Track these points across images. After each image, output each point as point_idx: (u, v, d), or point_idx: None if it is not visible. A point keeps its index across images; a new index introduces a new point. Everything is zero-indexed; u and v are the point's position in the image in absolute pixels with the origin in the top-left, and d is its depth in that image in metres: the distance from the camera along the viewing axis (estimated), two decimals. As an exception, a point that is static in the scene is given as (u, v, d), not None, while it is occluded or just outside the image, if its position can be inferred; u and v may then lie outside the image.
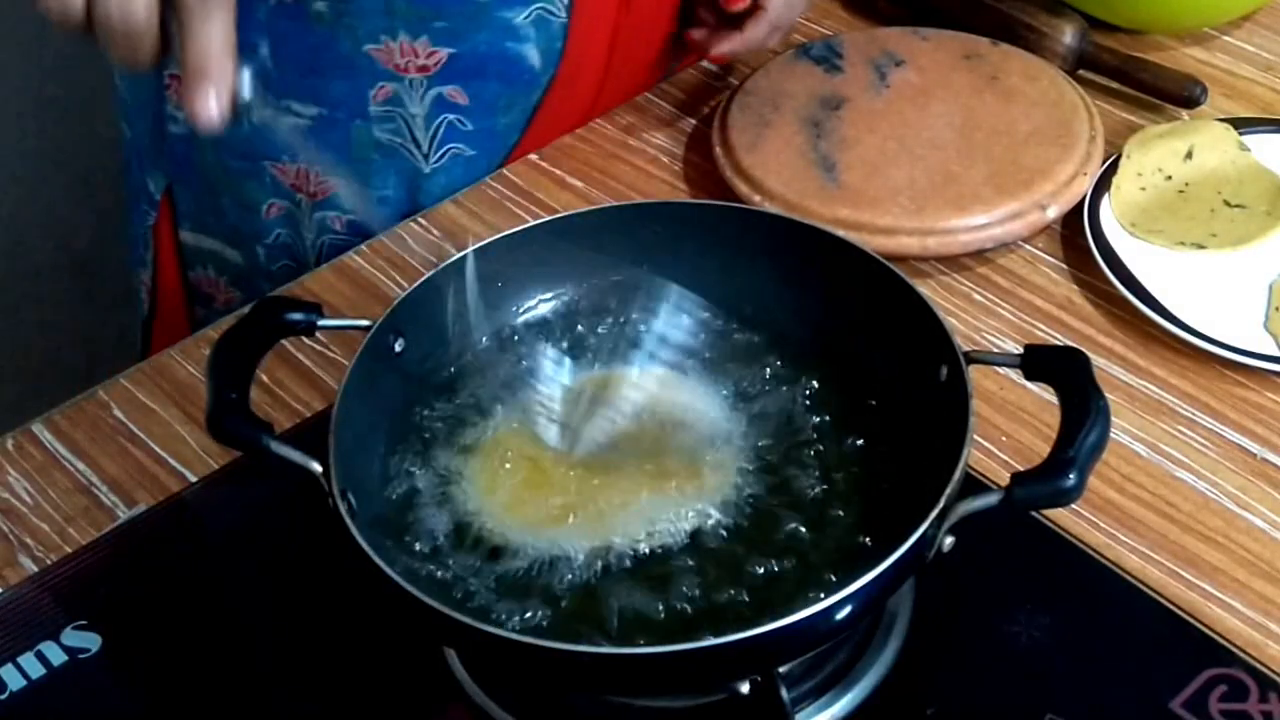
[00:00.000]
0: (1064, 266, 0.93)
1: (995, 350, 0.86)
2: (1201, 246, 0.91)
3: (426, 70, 0.95)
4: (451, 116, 0.98)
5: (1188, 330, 0.85)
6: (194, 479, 0.82)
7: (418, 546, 0.69)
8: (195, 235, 1.05)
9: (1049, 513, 0.76)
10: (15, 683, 0.72)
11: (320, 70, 0.95)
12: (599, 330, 0.78)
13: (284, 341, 0.78)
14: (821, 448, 0.72)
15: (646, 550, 0.67)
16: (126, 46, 0.57)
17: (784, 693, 0.64)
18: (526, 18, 0.95)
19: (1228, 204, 0.94)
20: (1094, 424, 0.61)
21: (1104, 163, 0.96)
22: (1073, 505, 0.68)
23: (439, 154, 0.99)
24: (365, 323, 0.72)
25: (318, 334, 0.82)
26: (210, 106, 0.56)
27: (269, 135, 0.97)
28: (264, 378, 0.85)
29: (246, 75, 0.57)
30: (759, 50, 1.01)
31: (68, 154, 1.55)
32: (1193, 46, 1.10)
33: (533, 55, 0.97)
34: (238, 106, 0.57)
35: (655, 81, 1.09)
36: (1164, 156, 0.97)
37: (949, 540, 0.62)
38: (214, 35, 0.56)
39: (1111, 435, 0.63)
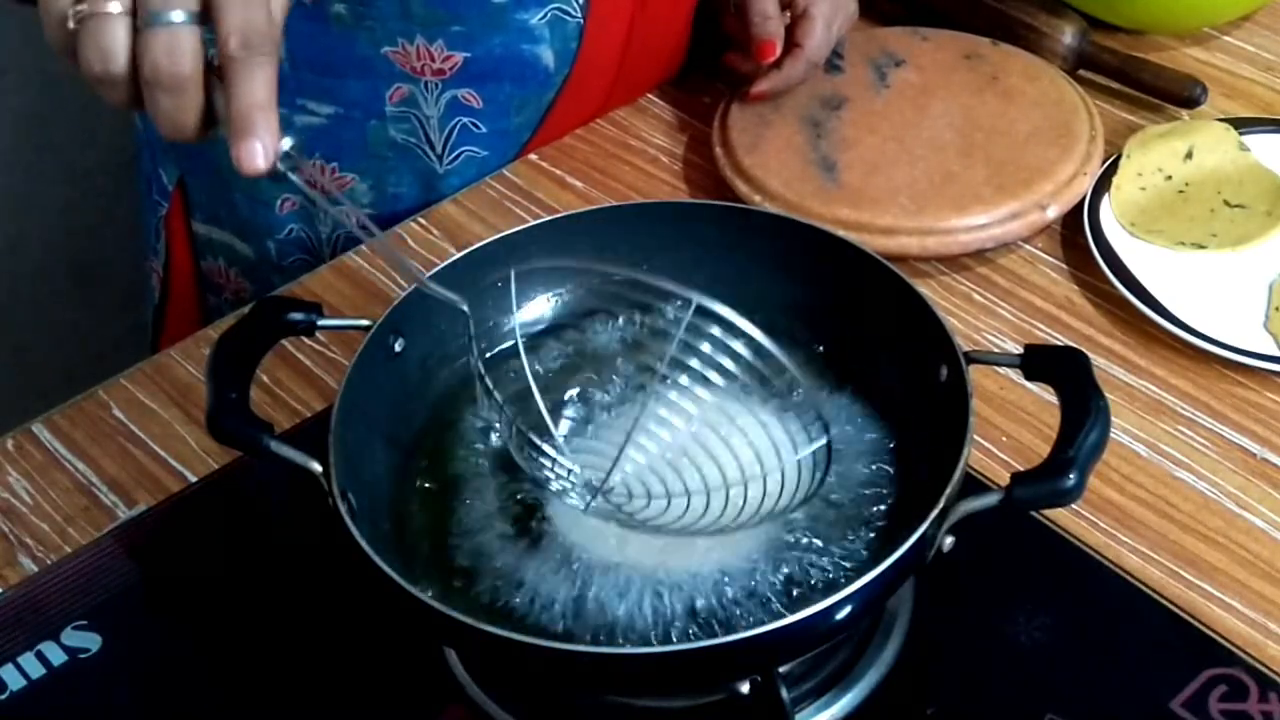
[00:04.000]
0: (1064, 266, 0.93)
1: (995, 350, 0.86)
2: (1201, 246, 0.91)
3: (442, 74, 0.95)
4: (465, 119, 0.98)
5: (1188, 330, 0.85)
6: (194, 479, 0.82)
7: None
8: (206, 227, 1.06)
9: (1049, 513, 0.76)
10: (15, 683, 0.72)
11: (337, 71, 0.95)
12: (597, 333, 0.78)
13: (284, 341, 0.78)
14: (821, 447, 0.72)
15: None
16: (173, 101, 0.56)
17: (784, 693, 0.64)
18: (542, 19, 0.95)
19: (1228, 204, 0.94)
20: (1094, 424, 0.61)
21: (1104, 163, 0.96)
22: (1073, 505, 0.68)
23: (453, 155, 0.99)
24: (365, 323, 0.72)
25: (318, 334, 0.82)
26: (257, 157, 0.56)
27: (283, 133, 0.97)
28: (264, 378, 0.85)
29: (288, 135, 0.57)
30: (796, 85, 1.00)
31: (68, 154, 1.55)
32: (1193, 46, 1.10)
33: (547, 56, 0.97)
34: (278, 157, 0.57)
35: (669, 80, 1.09)
36: (1164, 156, 0.97)
37: (949, 540, 0.62)
38: (258, 88, 0.56)
39: (1111, 435, 0.63)
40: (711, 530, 0.65)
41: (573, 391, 0.73)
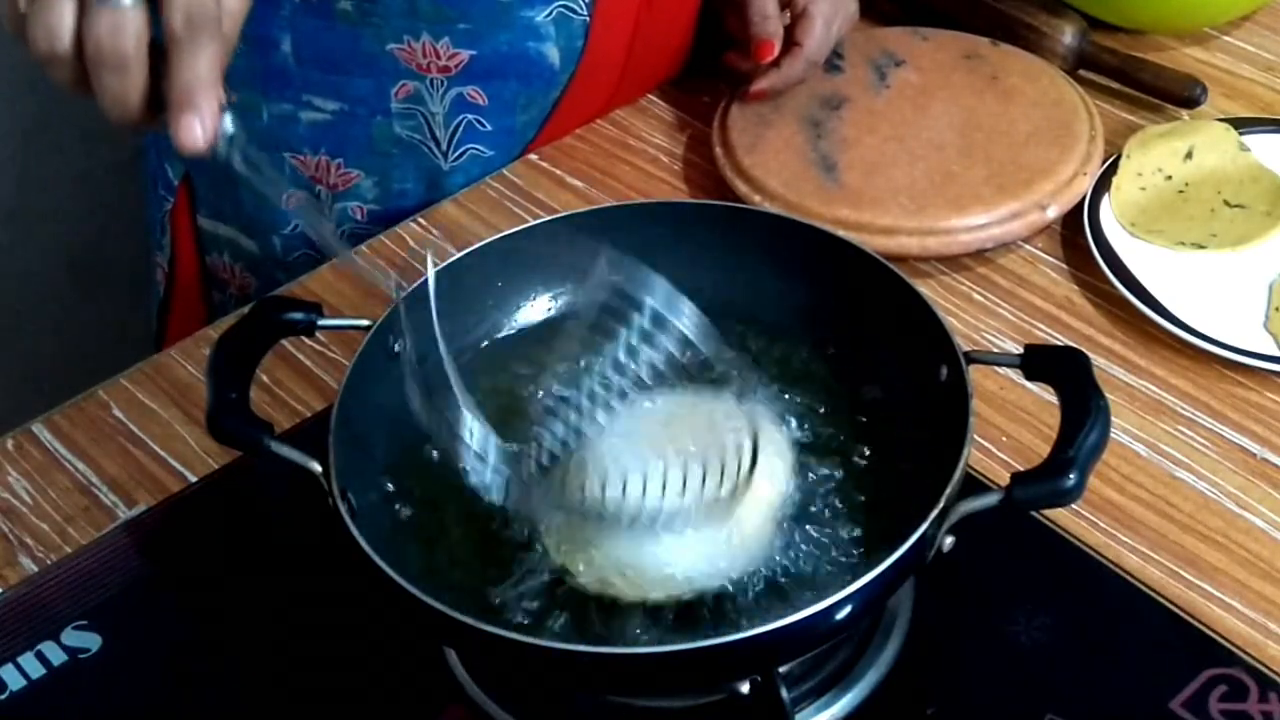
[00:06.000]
0: (1064, 266, 0.93)
1: (995, 350, 0.86)
2: (1201, 246, 0.91)
3: (448, 71, 0.95)
4: (470, 116, 0.98)
5: (1188, 330, 0.85)
6: (194, 479, 0.82)
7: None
8: (212, 222, 1.06)
9: (1049, 513, 0.76)
10: (15, 683, 0.72)
11: (343, 67, 0.95)
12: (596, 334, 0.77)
13: (284, 341, 0.78)
14: (822, 448, 0.72)
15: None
16: (117, 80, 0.57)
17: (784, 693, 0.64)
18: (548, 16, 0.95)
19: (1228, 204, 0.94)
20: (1094, 424, 0.61)
21: (1104, 163, 0.96)
22: (1073, 505, 0.68)
23: (457, 153, 1.00)
24: (365, 323, 0.72)
25: (318, 334, 0.82)
26: (196, 134, 0.57)
27: (289, 128, 0.97)
28: (264, 378, 0.85)
29: (229, 116, 0.58)
30: (795, 84, 1.01)
31: (71, 152, 1.55)
32: (1193, 46, 1.10)
33: (553, 54, 0.97)
34: (219, 138, 0.57)
35: (672, 78, 1.09)
36: (1164, 156, 0.97)
37: (949, 540, 0.63)
38: (201, 65, 0.57)
39: (1111, 435, 0.63)
40: (658, 516, 0.65)
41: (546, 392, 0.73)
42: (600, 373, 0.69)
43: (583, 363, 0.70)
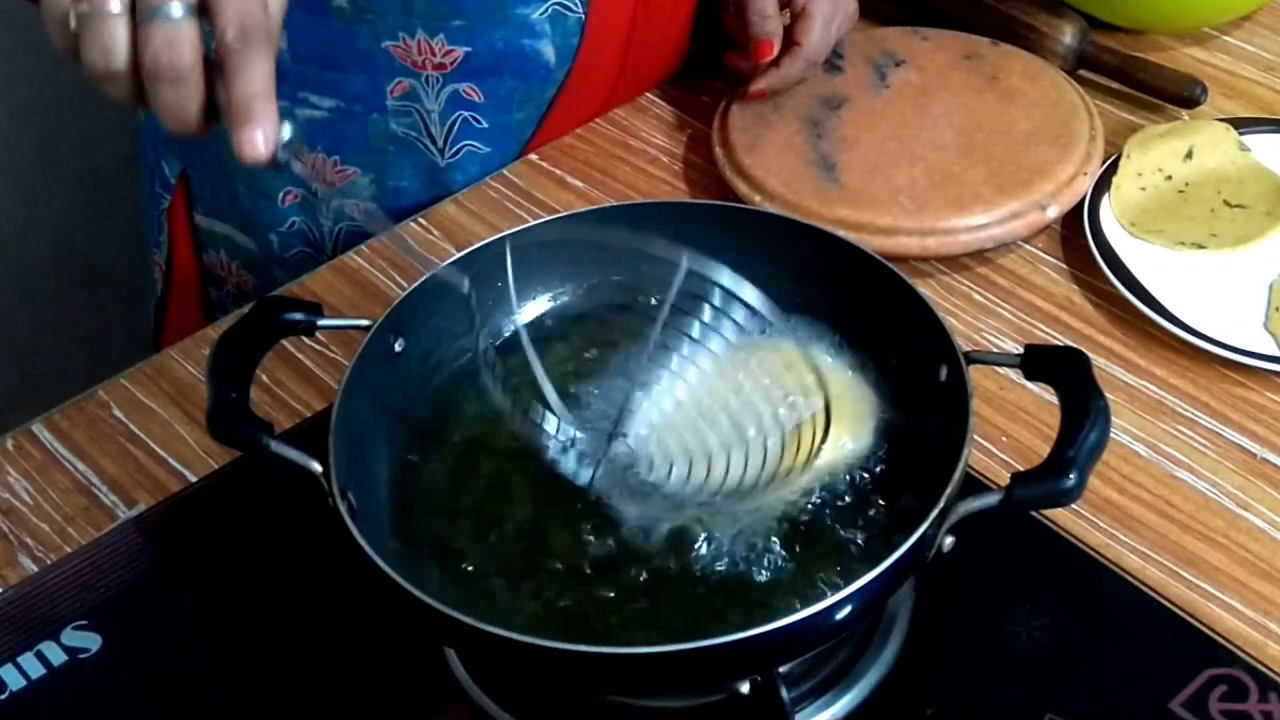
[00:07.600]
0: (1064, 266, 0.93)
1: (995, 350, 0.86)
2: (1201, 246, 0.91)
3: (443, 68, 0.95)
4: (466, 113, 0.98)
5: (1188, 330, 0.85)
6: (194, 479, 0.82)
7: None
8: (209, 220, 1.06)
9: (1049, 513, 0.76)
10: (15, 683, 0.72)
11: (339, 64, 0.96)
12: (599, 334, 0.77)
13: (284, 341, 0.78)
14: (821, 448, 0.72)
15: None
16: (175, 93, 0.57)
17: (784, 693, 0.64)
18: (543, 14, 0.95)
19: (1228, 204, 0.94)
20: (1094, 424, 0.61)
21: (1104, 163, 0.96)
22: (1073, 505, 0.68)
23: (454, 150, 1.00)
24: (365, 323, 0.72)
25: (318, 334, 0.82)
26: (258, 145, 0.57)
27: (282, 122, 0.97)
28: (264, 378, 0.85)
29: (286, 123, 0.58)
30: (795, 84, 1.01)
31: (68, 153, 1.55)
32: (1193, 46, 1.10)
33: (548, 51, 0.97)
34: (278, 146, 0.57)
35: (671, 76, 1.09)
36: (1164, 156, 0.97)
37: (949, 540, 0.63)
38: (256, 77, 0.57)
39: (1111, 435, 0.63)
40: (723, 497, 0.66)
41: (581, 378, 0.74)
42: (666, 351, 0.70)
43: (642, 345, 0.71)
